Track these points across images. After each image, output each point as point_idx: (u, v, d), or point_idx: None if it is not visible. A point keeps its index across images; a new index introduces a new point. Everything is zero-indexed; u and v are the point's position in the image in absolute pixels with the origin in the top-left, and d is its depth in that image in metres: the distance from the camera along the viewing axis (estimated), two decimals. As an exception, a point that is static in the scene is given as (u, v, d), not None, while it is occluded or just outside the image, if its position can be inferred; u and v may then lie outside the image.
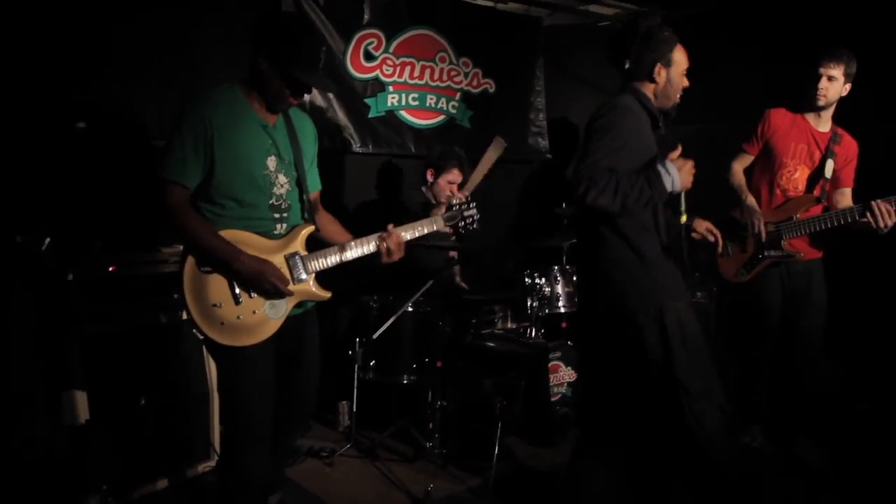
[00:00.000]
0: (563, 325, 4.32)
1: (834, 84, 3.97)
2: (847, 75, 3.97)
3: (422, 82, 5.26)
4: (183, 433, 3.68)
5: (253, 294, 2.69)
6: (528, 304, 4.17)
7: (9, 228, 3.31)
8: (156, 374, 3.56)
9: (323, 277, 2.84)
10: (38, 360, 3.29)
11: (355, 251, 2.88)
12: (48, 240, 3.31)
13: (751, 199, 4.12)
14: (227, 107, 2.66)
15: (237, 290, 2.66)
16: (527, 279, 4.21)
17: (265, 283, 2.65)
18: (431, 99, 5.33)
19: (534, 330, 4.20)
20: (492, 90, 5.65)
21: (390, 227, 2.91)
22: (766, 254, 4.16)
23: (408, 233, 2.94)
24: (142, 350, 3.52)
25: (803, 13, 5.12)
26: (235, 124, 2.66)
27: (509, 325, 4.32)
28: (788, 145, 4.09)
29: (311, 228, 2.85)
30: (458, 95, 5.46)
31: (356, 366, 3.97)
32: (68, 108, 3.64)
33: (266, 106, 2.74)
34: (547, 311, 4.18)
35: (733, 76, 5.47)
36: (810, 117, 4.11)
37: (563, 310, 4.20)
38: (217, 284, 2.65)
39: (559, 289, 4.21)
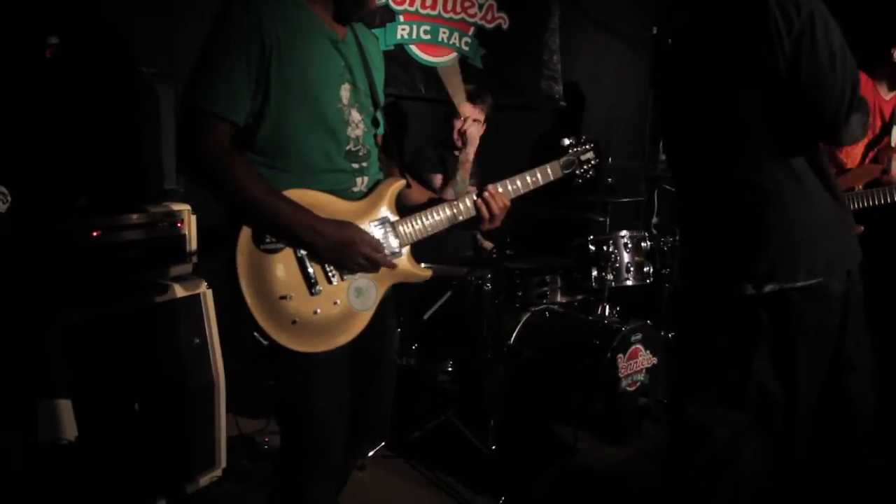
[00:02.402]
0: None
1: None
2: None
3: (434, 13, 4.54)
4: (183, 438, 2.95)
5: (334, 277, 1.97)
6: (597, 275, 3.55)
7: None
8: (151, 368, 2.82)
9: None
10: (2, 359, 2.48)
11: (456, 214, 2.18)
12: (7, 199, 2.48)
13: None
14: (287, 12, 1.93)
15: (312, 273, 1.94)
16: (591, 246, 3.58)
17: (355, 256, 1.95)
18: (444, 33, 4.62)
19: (607, 307, 3.59)
20: (505, 26, 4.98)
21: (490, 186, 2.21)
22: None
23: (512, 187, 2.25)
24: (133, 338, 2.76)
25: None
26: (301, 37, 1.93)
27: (559, 298, 3.69)
28: None
29: (401, 183, 2.15)
30: (471, 31, 4.77)
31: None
32: (35, 18, 2.76)
33: (335, 12, 2.03)
34: (614, 284, 3.57)
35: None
36: (881, 84, 3.67)
37: (630, 282, 3.60)
38: (284, 267, 1.92)
39: (626, 258, 3.60)
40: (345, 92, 2.02)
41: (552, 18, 5.26)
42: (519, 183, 2.26)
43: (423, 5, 4.49)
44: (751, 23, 1.98)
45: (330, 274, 1.97)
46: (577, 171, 2.40)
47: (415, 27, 4.46)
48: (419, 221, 2.12)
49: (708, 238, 2.20)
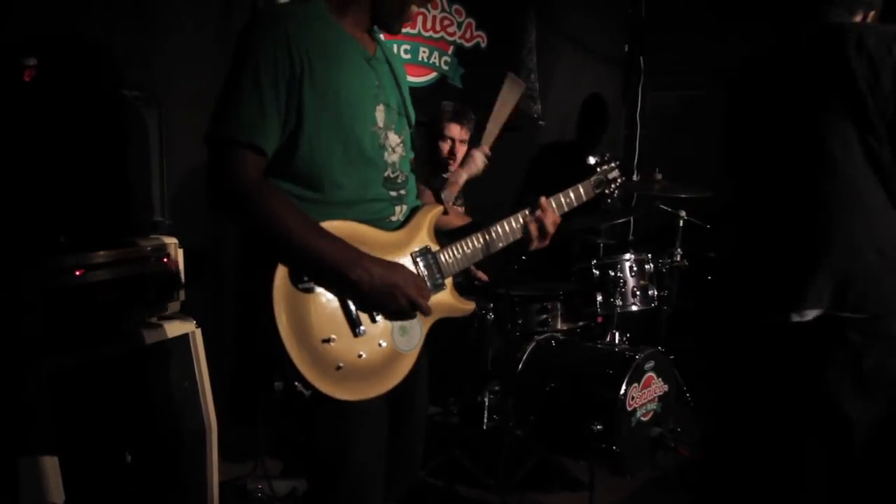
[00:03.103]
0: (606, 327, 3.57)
1: None
2: None
3: (414, 31, 4.39)
4: (175, 488, 2.70)
5: (378, 317, 1.77)
6: (602, 300, 3.41)
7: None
8: (140, 416, 2.56)
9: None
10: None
11: (502, 237, 2.01)
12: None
13: None
14: (316, 29, 1.74)
15: (355, 312, 1.74)
16: (595, 270, 3.44)
17: (398, 300, 1.76)
18: (424, 52, 4.46)
19: (616, 334, 3.45)
20: (484, 45, 4.85)
21: (543, 199, 2.05)
22: None
23: (558, 206, 2.11)
24: (121, 384, 2.50)
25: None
26: (332, 54, 1.75)
27: (560, 325, 3.54)
28: None
29: (439, 210, 1.97)
30: (451, 50, 4.63)
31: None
32: (11, 37, 2.51)
33: (368, 26, 1.87)
34: (620, 309, 3.43)
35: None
36: None
37: (635, 307, 3.47)
38: (325, 306, 1.72)
39: (632, 282, 3.47)
40: (380, 113, 1.84)
41: (529, 37, 5.16)
42: (553, 205, 2.10)
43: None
44: (828, 62, 1.90)
45: (374, 314, 1.77)
46: (606, 191, 2.26)
47: (395, 46, 4.29)
48: (461, 249, 1.95)
49: (779, 264, 2.07)
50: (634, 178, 6.04)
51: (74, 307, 2.37)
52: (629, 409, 3.01)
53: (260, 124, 1.66)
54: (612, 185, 2.26)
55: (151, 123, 2.71)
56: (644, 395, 3.11)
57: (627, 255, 3.48)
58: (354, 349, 1.74)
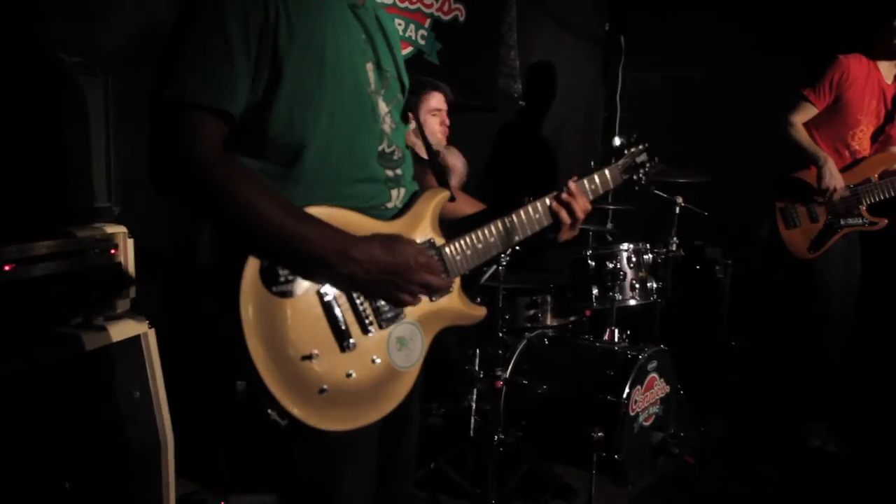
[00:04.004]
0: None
1: None
2: None
3: (389, 2, 4.05)
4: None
5: (371, 325, 1.47)
6: (598, 293, 3.13)
7: None
8: (82, 434, 2.22)
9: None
10: None
11: (525, 225, 1.69)
12: None
13: (831, 163, 3.40)
14: None
15: (343, 321, 1.42)
16: (591, 261, 3.15)
17: (410, 284, 1.46)
18: (399, 24, 4.16)
19: (616, 331, 3.17)
20: (462, 18, 4.53)
21: (573, 182, 1.74)
22: (843, 223, 3.49)
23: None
24: (60, 398, 2.16)
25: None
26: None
27: (550, 321, 3.26)
28: (864, 99, 3.49)
29: (445, 195, 1.65)
30: (427, 23, 4.31)
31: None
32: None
33: None
34: (618, 304, 3.16)
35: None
36: (883, 67, 3.48)
37: (633, 301, 3.19)
38: (306, 314, 1.40)
39: (630, 274, 3.19)
40: (370, 73, 1.52)
41: (509, 12, 4.86)
42: (584, 189, 1.80)
43: (377, -8, 3.98)
44: None
45: (367, 321, 1.46)
46: (635, 177, 1.97)
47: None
48: (472, 242, 1.63)
49: None
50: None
51: (4, 308, 2.03)
52: (632, 413, 2.75)
53: (225, 84, 1.33)
54: (641, 171, 1.97)
55: (95, 94, 2.35)
56: (646, 397, 2.85)
57: (625, 245, 3.20)
58: (342, 367, 1.42)
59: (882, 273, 3.90)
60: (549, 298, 3.25)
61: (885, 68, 3.50)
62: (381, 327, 1.48)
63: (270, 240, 1.34)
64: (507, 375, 2.92)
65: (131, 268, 2.44)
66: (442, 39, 4.41)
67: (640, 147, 1.99)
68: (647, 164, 2.00)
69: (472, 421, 2.89)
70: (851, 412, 3.90)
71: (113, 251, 2.38)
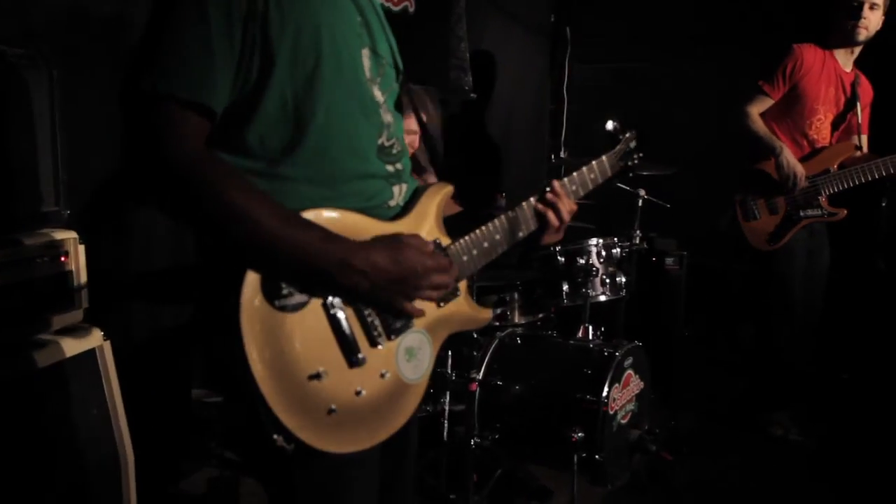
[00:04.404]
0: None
1: (875, 13, 3.46)
2: (886, 4, 3.39)
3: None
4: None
5: (380, 336, 1.35)
6: (569, 290, 3.06)
7: None
8: (34, 459, 2.05)
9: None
10: None
11: (529, 221, 1.60)
12: None
13: (788, 152, 3.41)
14: None
15: (351, 333, 1.30)
16: (560, 257, 3.08)
17: (420, 289, 1.34)
18: (348, 15, 3.95)
19: (590, 328, 3.09)
20: (412, 9, 4.39)
21: (556, 183, 1.65)
22: (802, 214, 3.50)
23: (572, 188, 1.70)
24: (7, 420, 1.97)
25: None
26: None
27: (518, 318, 3.18)
28: (820, 88, 3.49)
29: (448, 191, 1.54)
30: (377, 13, 4.12)
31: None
32: None
33: None
34: (585, 300, 3.09)
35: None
36: (840, 55, 3.50)
37: (604, 297, 3.13)
38: (311, 329, 1.27)
39: (601, 269, 3.13)
40: (366, 60, 1.39)
41: (458, 2, 4.74)
42: (578, 181, 1.71)
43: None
44: None
45: (375, 332, 1.34)
46: (630, 163, 1.90)
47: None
48: (478, 242, 1.53)
49: None
50: (563, 154, 5.81)
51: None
52: (611, 412, 2.68)
53: (207, 75, 1.19)
54: (634, 157, 1.90)
55: (40, 89, 2.16)
56: (623, 395, 2.79)
57: (594, 240, 3.13)
58: (351, 384, 1.30)
59: (849, 264, 3.94)
60: (516, 296, 3.17)
61: (841, 56, 3.52)
62: (389, 338, 1.36)
63: (261, 248, 1.21)
64: (481, 377, 2.82)
65: (83, 275, 2.26)
66: (392, 31, 4.27)
67: (633, 133, 1.93)
68: (638, 150, 1.94)
69: (446, 425, 2.79)
70: (815, 400, 3.94)
71: (63, 258, 2.20)
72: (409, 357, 1.39)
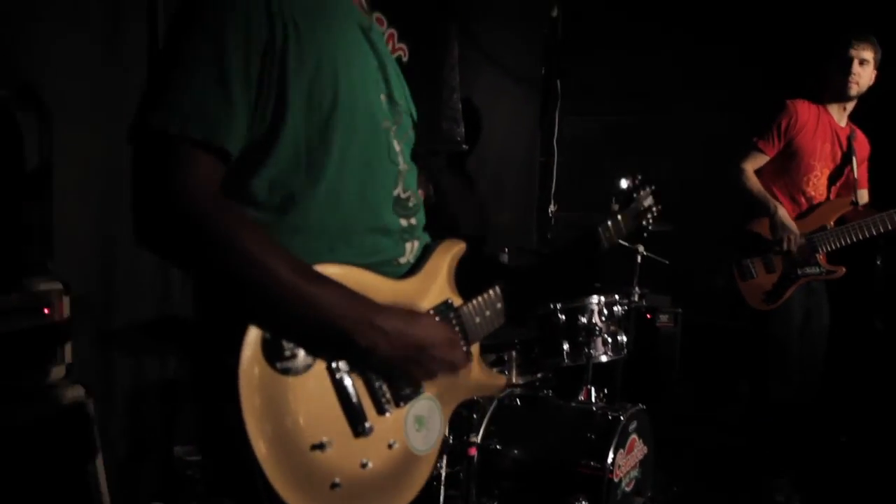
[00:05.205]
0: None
1: (866, 69, 3.44)
2: (876, 60, 3.40)
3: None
4: None
5: (388, 403, 1.27)
6: (569, 349, 2.97)
7: None
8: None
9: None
10: None
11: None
12: None
13: (783, 211, 3.38)
14: None
15: (358, 400, 1.22)
16: (560, 315, 3.00)
17: (431, 363, 1.26)
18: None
19: (592, 389, 3.00)
20: (405, 58, 4.37)
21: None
22: (800, 272, 3.46)
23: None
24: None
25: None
26: (325, 17, 1.25)
27: (516, 378, 3.08)
28: (816, 144, 3.48)
29: (460, 249, 1.48)
30: (371, 62, 4.11)
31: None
32: None
33: None
34: (588, 360, 3.00)
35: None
36: (833, 110, 3.50)
37: (605, 358, 3.05)
38: (315, 395, 1.19)
39: (602, 328, 3.04)
40: (383, 107, 1.34)
41: (452, 53, 4.74)
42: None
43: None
44: None
45: (383, 399, 1.26)
46: (644, 223, 1.85)
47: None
48: (489, 301, 1.46)
49: None
50: (552, 208, 5.78)
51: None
52: (616, 479, 2.58)
53: (223, 114, 1.12)
54: (649, 215, 1.85)
55: (30, 133, 2.08)
56: (628, 461, 2.69)
57: (595, 298, 3.06)
58: (356, 456, 1.21)
59: (847, 323, 3.88)
60: (514, 354, 3.07)
61: (836, 111, 3.51)
62: (398, 405, 1.28)
63: (276, 303, 1.13)
64: (479, 440, 2.72)
65: (67, 329, 2.16)
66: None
67: (648, 189, 1.88)
68: (654, 208, 1.90)
69: (442, 490, 2.67)
70: (813, 463, 3.85)
71: (47, 310, 2.11)
72: (418, 426, 1.31)
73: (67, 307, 2.15)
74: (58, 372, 2.14)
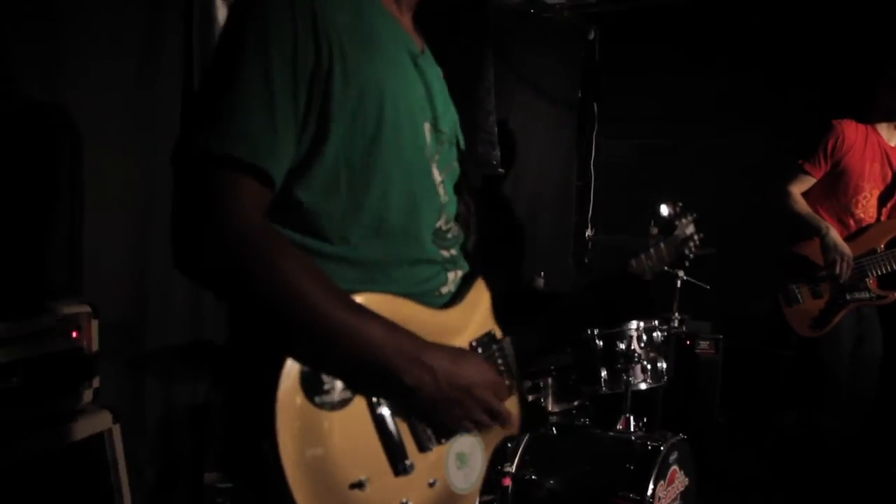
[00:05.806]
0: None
1: None
2: None
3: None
4: None
5: (430, 441, 1.19)
6: (607, 377, 2.87)
7: None
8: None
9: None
10: None
11: None
12: None
13: (834, 233, 3.25)
14: (354, 1, 1.18)
15: (399, 438, 1.15)
16: (598, 341, 2.90)
17: (472, 410, 1.19)
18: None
19: (631, 418, 2.90)
20: (440, 81, 4.31)
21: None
22: (849, 297, 3.32)
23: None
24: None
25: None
26: (373, 43, 1.19)
27: (552, 406, 2.98)
28: (864, 165, 3.35)
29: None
30: (406, 85, 4.06)
31: None
32: None
33: (415, 6, 1.33)
34: (627, 387, 2.90)
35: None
36: (882, 129, 3.38)
37: (644, 385, 2.95)
38: (354, 431, 1.11)
39: (641, 354, 2.95)
40: (427, 135, 1.27)
41: (487, 75, 4.69)
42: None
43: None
44: None
45: (424, 435, 1.18)
46: (686, 251, 1.77)
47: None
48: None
49: None
50: (589, 232, 5.69)
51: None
52: (649, 512, 2.48)
53: (269, 138, 1.06)
54: (691, 243, 1.77)
55: (62, 151, 2.05)
56: (669, 493, 2.59)
57: (634, 324, 2.96)
58: (396, 495, 1.14)
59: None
60: (550, 381, 2.98)
61: (885, 130, 3.39)
62: (440, 442, 1.20)
63: (319, 336, 1.06)
64: (514, 470, 2.63)
65: (95, 353, 2.12)
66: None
67: (690, 217, 1.80)
68: (696, 237, 1.82)
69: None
70: (866, 496, 3.69)
71: (75, 333, 2.06)
72: (459, 464, 1.23)
73: (96, 331, 2.11)
74: (85, 397, 2.09)
